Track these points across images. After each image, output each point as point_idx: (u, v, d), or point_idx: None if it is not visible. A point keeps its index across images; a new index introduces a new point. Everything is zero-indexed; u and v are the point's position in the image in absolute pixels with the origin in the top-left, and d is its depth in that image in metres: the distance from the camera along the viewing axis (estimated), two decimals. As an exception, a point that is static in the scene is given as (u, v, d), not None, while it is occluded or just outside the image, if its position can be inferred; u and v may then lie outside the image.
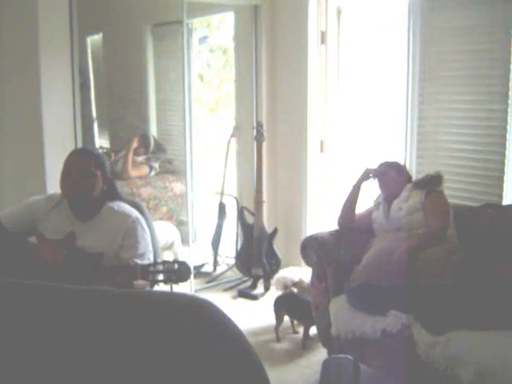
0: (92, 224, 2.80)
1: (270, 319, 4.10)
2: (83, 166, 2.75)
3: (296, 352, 3.84)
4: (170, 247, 4.99)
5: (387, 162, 3.62)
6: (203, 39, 6.49)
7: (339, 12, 4.94)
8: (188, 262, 2.62)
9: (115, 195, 2.93)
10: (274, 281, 4.57)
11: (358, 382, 1.33)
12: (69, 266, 2.58)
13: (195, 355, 0.77)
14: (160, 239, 3.85)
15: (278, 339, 3.97)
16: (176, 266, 2.52)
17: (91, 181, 2.76)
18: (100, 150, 5.22)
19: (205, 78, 6.71)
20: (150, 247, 2.86)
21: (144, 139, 5.74)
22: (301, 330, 3.96)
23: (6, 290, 0.87)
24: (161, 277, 2.53)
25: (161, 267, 2.54)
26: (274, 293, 4.37)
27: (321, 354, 3.60)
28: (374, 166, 3.65)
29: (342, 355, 1.47)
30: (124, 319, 0.81)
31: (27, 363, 0.81)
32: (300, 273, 4.36)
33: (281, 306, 4.01)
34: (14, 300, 0.86)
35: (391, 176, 3.54)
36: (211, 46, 6.72)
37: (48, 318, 0.83)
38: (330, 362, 1.50)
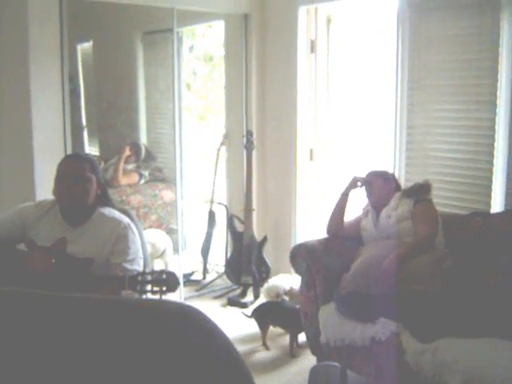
0: (83, 229, 2.79)
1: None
2: (78, 171, 2.75)
3: (285, 360, 3.84)
4: (161, 255, 4.99)
5: (375, 171, 3.64)
6: (191, 48, 6.50)
7: (329, 21, 4.97)
8: (177, 271, 2.62)
9: (107, 201, 2.93)
10: (264, 289, 4.57)
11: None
12: (58, 274, 2.57)
13: (182, 361, 0.78)
14: (150, 247, 3.84)
15: (266, 348, 3.96)
16: (164, 276, 2.52)
17: (86, 185, 2.76)
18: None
19: (192, 87, 6.71)
20: (141, 253, 2.86)
21: (135, 148, 5.74)
22: (287, 338, 3.96)
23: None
24: (149, 287, 2.53)
25: (149, 277, 2.53)
26: (264, 301, 4.37)
27: (310, 361, 3.59)
28: (362, 174, 3.67)
29: (329, 362, 1.48)
30: (112, 326, 0.82)
31: (16, 369, 0.81)
32: (290, 280, 4.37)
33: (263, 316, 4.00)
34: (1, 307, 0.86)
35: (378, 185, 3.56)
36: (197, 55, 6.72)
37: (37, 325, 0.83)
38: (318, 369, 1.51)
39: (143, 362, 0.78)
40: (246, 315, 4.05)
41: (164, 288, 2.49)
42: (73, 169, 2.76)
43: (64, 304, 0.87)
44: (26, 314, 0.85)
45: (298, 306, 3.81)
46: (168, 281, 2.51)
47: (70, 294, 0.90)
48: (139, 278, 2.54)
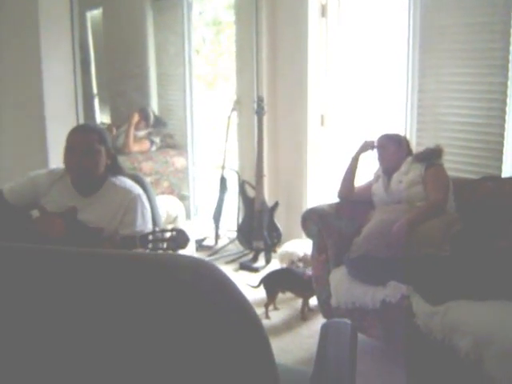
0: (94, 199, 2.82)
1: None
2: (87, 143, 2.74)
3: (296, 323, 3.88)
4: (173, 221, 5.03)
5: (387, 135, 3.63)
6: (201, 13, 6.46)
7: (340, -15, 4.92)
8: (187, 231, 2.66)
9: (118, 170, 2.93)
10: (278, 255, 4.61)
11: (355, 344, 1.38)
12: (69, 238, 2.61)
13: (196, 314, 0.79)
14: (164, 213, 3.87)
15: (267, 316, 3.94)
16: (174, 233, 2.58)
17: (95, 157, 2.76)
18: (101, 126, 5.23)
19: (201, 53, 6.68)
20: (150, 225, 2.87)
21: (144, 113, 5.74)
22: (298, 301, 4.00)
23: (7, 253, 0.90)
24: (160, 244, 2.58)
25: (159, 235, 2.59)
26: (276, 265, 4.41)
27: (321, 324, 3.65)
28: (373, 138, 3.66)
29: (340, 319, 1.51)
30: (126, 279, 0.83)
31: (28, 326, 0.83)
32: (303, 246, 4.39)
33: (272, 283, 4.01)
34: (15, 263, 0.88)
35: (390, 149, 3.56)
36: (206, 20, 6.68)
37: (52, 279, 0.85)
38: (329, 325, 1.55)
39: (157, 315, 0.79)
40: (252, 286, 4.04)
41: (174, 244, 2.56)
42: (81, 141, 2.75)
43: (77, 258, 0.89)
44: (39, 269, 0.87)
45: (309, 272, 3.85)
46: (178, 237, 2.56)
47: (83, 249, 0.91)
48: (150, 237, 2.60)
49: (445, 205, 3.27)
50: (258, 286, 4.01)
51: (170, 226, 4.92)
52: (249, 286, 4.04)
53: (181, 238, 2.59)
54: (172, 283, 0.81)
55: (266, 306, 3.95)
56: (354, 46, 4.98)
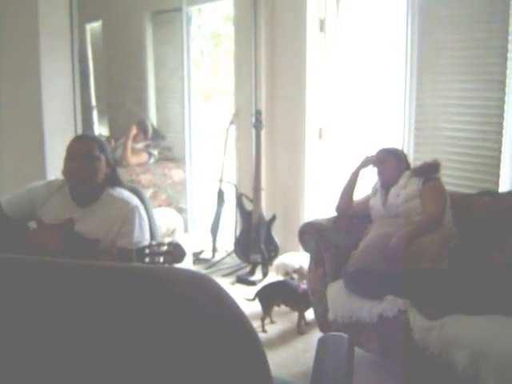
0: (91, 210, 2.82)
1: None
2: (87, 150, 2.75)
3: (293, 336, 3.87)
4: (171, 234, 5.03)
5: (386, 149, 3.64)
6: (199, 27, 6.49)
7: (338, 0, 4.94)
8: (185, 246, 2.66)
9: (116, 181, 2.93)
10: (274, 266, 4.62)
11: (352, 358, 1.37)
12: (66, 250, 2.61)
13: (192, 327, 0.79)
14: (162, 226, 3.88)
15: (264, 330, 3.92)
16: (171, 247, 2.58)
17: (95, 164, 2.76)
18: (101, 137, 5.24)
19: (200, 66, 6.70)
20: (147, 236, 2.87)
21: (142, 125, 5.76)
22: (294, 315, 3.99)
23: (4, 265, 0.90)
24: (156, 258, 2.58)
25: (156, 249, 2.59)
26: (273, 278, 4.40)
27: (318, 338, 3.64)
28: (373, 153, 3.67)
29: (337, 333, 1.51)
30: (123, 292, 0.83)
31: (25, 338, 0.83)
32: (299, 258, 4.39)
33: (269, 296, 3.99)
34: (12, 275, 0.88)
35: (390, 164, 3.57)
36: (205, 33, 6.71)
37: (48, 291, 0.85)
38: (326, 339, 1.54)
39: (153, 328, 0.79)
40: (248, 299, 4.01)
41: (171, 258, 2.56)
42: (81, 148, 2.76)
43: (74, 271, 0.89)
44: (37, 282, 0.87)
45: (303, 285, 3.86)
46: (174, 251, 2.57)
47: (80, 261, 0.91)
48: (146, 250, 2.60)
49: (442, 219, 3.28)
50: (254, 299, 3.99)
51: (167, 239, 4.92)
52: (245, 299, 4.03)
53: (177, 252, 2.59)
54: (169, 296, 0.81)
55: (262, 319, 3.94)
56: (353, 60, 5.01)
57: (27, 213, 2.86)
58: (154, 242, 2.72)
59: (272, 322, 4.03)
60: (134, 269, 0.99)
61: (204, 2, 5.86)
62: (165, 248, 2.59)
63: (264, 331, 3.91)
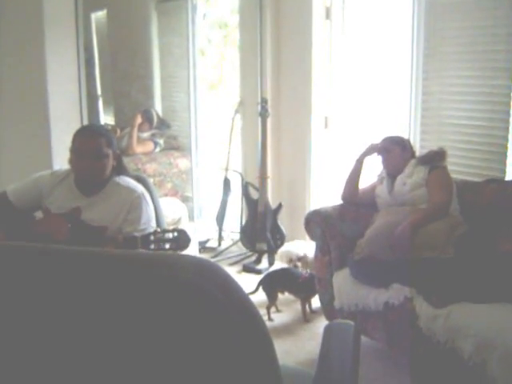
0: (97, 198, 2.83)
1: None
2: (96, 149, 2.74)
3: (299, 325, 3.88)
4: (176, 223, 5.03)
5: (391, 138, 3.63)
6: (204, 16, 6.47)
7: (344, -13, 4.92)
8: (189, 232, 2.67)
9: (122, 170, 2.94)
10: (279, 254, 4.63)
11: (358, 346, 1.38)
12: (73, 239, 2.62)
13: (199, 314, 0.79)
14: (167, 215, 3.89)
15: (270, 318, 3.93)
16: (176, 233, 2.59)
17: (104, 162, 2.77)
18: (106, 127, 5.24)
19: (206, 54, 6.68)
20: (153, 223, 2.88)
21: (147, 114, 5.76)
22: (298, 304, 3.99)
23: (10, 253, 0.90)
24: (161, 245, 2.59)
25: (161, 236, 2.60)
26: (279, 267, 4.41)
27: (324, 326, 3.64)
28: (378, 141, 3.66)
29: (343, 321, 1.51)
30: (130, 279, 0.83)
31: (30, 325, 0.84)
32: (304, 247, 4.39)
33: (271, 285, 4.00)
34: (17, 262, 0.89)
35: (395, 153, 3.55)
36: (210, 22, 6.69)
37: (55, 278, 0.85)
38: (332, 327, 1.55)
39: (160, 314, 0.79)
40: (251, 292, 3.98)
41: (176, 245, 2.57)
42: (90, 147, 2.75)
43: (80, 258, 0.89)
44: (42, 269, 0.87)
45: (306, 274, 3.87)
46: (180, 238, 2.58)
47: (87, 249, 0.92)
48: (152, 237, 2.61)
49: (448, 207, 3.27)
50: (256, 290, 3.99)
51: (172, 227, 4.93)
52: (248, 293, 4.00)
53: (182, 239, 2.60)
54: (176, 283, 0.81)
55: (268, 307, 3.94)
56: (359, 48, 4.98)
57: (34, 202, 2.87)
58: (159, 229, 2.73)
59: (278, 310, 4.04)
60: (140, 255, 0.99)
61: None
62: (170, 235, 2.60)
63: (270, 320, 3.91)
